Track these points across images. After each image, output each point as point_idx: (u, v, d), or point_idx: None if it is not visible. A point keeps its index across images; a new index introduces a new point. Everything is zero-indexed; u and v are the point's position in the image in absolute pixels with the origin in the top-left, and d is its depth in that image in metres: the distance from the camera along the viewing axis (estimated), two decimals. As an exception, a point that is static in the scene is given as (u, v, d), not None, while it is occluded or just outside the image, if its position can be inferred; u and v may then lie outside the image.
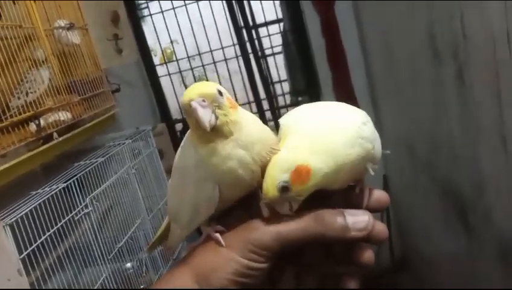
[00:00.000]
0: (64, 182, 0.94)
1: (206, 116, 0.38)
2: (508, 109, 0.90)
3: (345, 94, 2.03)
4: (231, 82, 2.41)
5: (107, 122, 1.14)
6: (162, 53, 2.47)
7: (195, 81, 2.59)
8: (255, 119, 0.42)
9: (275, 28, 2.45)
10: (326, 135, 0.40)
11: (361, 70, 2.02)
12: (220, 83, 2.26)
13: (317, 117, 0.42)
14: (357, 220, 0.39)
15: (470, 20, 0.98)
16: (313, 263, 0.42)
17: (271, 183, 0.38)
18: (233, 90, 2.47)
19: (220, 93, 0.39)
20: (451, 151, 1.28)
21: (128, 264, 1.20)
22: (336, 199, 0.42)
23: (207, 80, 2.31)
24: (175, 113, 2.56)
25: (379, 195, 0.43)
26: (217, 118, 0.38)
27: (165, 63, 2.35)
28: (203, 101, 0.38)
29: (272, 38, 2.48)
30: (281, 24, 2.43)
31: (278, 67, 2.55)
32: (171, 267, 1.36)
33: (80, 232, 0.98)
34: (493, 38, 0.89)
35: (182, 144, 0.44)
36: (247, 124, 0.41)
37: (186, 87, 2.57)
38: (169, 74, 2.34)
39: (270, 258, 0.38)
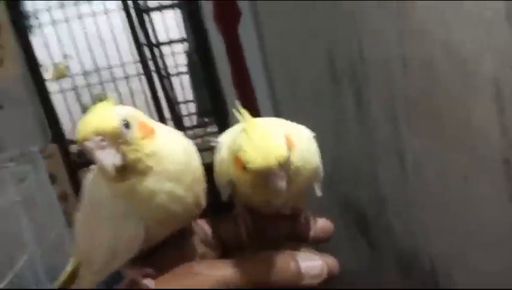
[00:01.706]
0: None
1: (107, 159, 0.30)
2: (404, 127, 0.97)
3: (252, 114, 2.05)
4: (133, 102, 2.30)
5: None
6: (55, 67, 2.28)
7: (92, 101, 2.42)
8: (180, 140, 0.36)
9: (179, 47, 2.42)
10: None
11: (264, 91, 2.07)
12: (122, 103, 2.15)
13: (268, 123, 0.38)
14: (311, 265, 0.36)
15: (367, 44, 1.05)
16: None
17: (276, 148, 0.32)
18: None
19: (127, 125, 0.32)
20: (352, 168, 1.34)
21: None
22: (280, 230, 0.39)
23: (105, 99, 2.19)
24: (69, 133, 2.36)
25: (323, 224, 0.41)
26: (124, 156, 0.31)
27: (57, 79, 2.17)
28: (102, 140, 0.30)
29: (176, 58, 2.44)
30: (185, 43, 2.41)
31: (183, 87, 2.51)
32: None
33: None
34: (389, 60, 0.95)
35: (89, 174, 0.36)
36: (171, 150, 0.34)
37: (82, 106, 2.40)
38: (62, 91, 2.16)
39: None
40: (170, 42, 2.42)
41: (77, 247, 0.40)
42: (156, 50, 2.52)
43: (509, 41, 0.62)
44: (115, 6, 2.10)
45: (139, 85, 2.31)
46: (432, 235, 0.98)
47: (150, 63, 2.41)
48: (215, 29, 2.01)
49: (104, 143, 0.30)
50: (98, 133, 0.30)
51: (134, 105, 2.32)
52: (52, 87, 2.11)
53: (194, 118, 2.58)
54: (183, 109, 2.60)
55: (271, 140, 0.33)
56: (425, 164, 0.94)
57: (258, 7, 1.93)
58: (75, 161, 2.14)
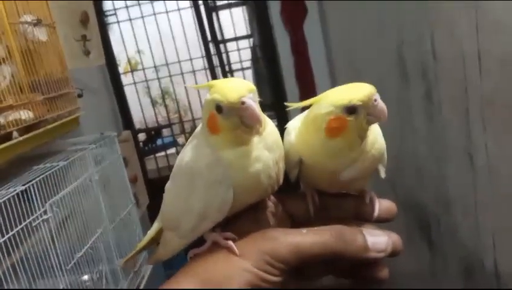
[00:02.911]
0: (22, 185, 0.87)
1: (259, 112, 0.36)
2: (476, 126, 0.94)
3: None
4: (199, 94, 2.39)
5: (70, 125, 1.08)
6: (128, 62, 2.42)
7: (161, 92, 2.55)
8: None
9: (244, 43, 2.47)
10: None
11: (327, 88, 2.06)
12: (187, 95, 2.21)
13: None
14: (377, 241, 0.38)
15: (440, 41, 1.02)
16: (314, 276, 0.41)
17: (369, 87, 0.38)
18: (201, 103, 2.43)
19: None
20: (416, 169, 1.31)
21: (86, 277, 1.13)
22: (346, 208, 0.42)
23: (174, 92, 2.26)
24: (137, 123, 2.50)
25: (388, 205, 0.42)
26: None
27: (131, 71, 2.30)
28: (254, 97, 0.36)
29: (241, 53, 2.49)
30: (251, 40, 2.45)
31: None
32: (130, 280, 1.30)
33: (36, 239, 0.91)
34: (463, 57, 0.92)
35: (191, 144, 0.40)
36: (269, 122, 0.39)
37: (151, 97, 2.51)
38: (134, 83, 2.29)
39: (284, 272, 0.35)
40: (236, 39, 2.48)
41: (164, 214, 0.44)
42: (222, 46, 2.60)
43: None
44: (188, 4, 2.19)
45: (205, 79, 2.39)
46: (499, 239, 0.94)
47: (215, 59, 2.49)
48: (280, 27, 2.04)
49: (254, 99, 0.36)
50: (250, 91, 0.36)
51: (199, 97, 2.40)
52: (125, 80, 2.25)
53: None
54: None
55: None
56: (498, 165, 0.90)
57: (324, 5, 1.93)
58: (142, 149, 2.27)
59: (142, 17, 2.12)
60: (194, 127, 2.83)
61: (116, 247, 1.24)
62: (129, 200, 1.40)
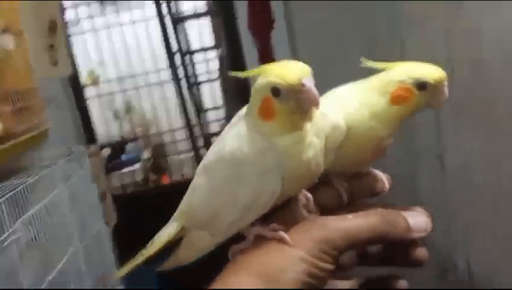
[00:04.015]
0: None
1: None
2: (447, 129, 0.97)
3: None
4: (166, 106, 2.34)
5: (39, 138, 1.03)
6: (91, 73, 2.35)
7: (126, 106, 2.49)
8: None
9: (212, 54, 2.46)
10: None
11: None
12: (155, 108, 2.14)
13: None
14: (417, 220, 0.38)
15: (411, 45, 1.05)
16: (348, 265, 0.40)
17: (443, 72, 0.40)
18: (168, 115, 2.38)
19: None
20: (385, 171, 1.34)
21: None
22: (365, 188, 0.43)
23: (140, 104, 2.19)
24: (101, 137, 2.41)
25: (387, 176, 0.44)
26: None
27: (95, 84, 2.23)
28: (310, 78, 0.35)
29: (209, 64, 2.48)
30: (218, 50, 2.44)
31: (213, 93, 2.54)
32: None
33: (4, 260, 0.85)
34: (434, 61, 0.95)
35: (232, 132, 0.38)
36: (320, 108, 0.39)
37: (115, 110, 2.44)
38: (98, 96, 2.22)
39: (336, 259, 0.35)
40: (202, 50, 2.46)
41: (195, 210, 0.41)
42: (188, 57, 2.58)
43: None
44: (154, 14, 2.16)
45: (173, 91, 2.36)
46: (471, 240, 0.97)
47: (181, 70, 2.47)
48: (249, 37, 2.05)
49: (312, 81, 0.35)
50: (309, 72, 0.36)
51: (166, 110, 2.35)
52: (88, 92, 2.18)
53: (224, 123, 2.60)
54: (213, 115, 2.64)
55: None
56: (469, 166, 0.93)
57: (292, 15, 1.96)
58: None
59: (106, 28, 2.07)
60: (160, 141, 2.77)
61: (87, 266, 1.19)
62: (99, 219, 1.35)
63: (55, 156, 1.22)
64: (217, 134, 2.68)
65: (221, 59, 2.38)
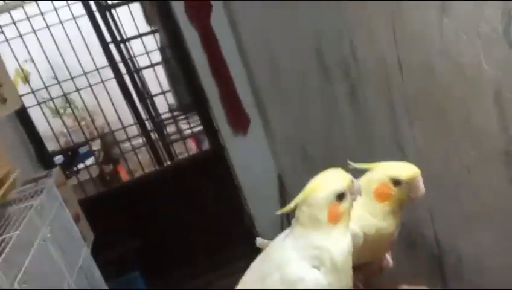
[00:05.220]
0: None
1: None
2: (403, 122, 1.03)
3: (233, 104, 2.09)
4: (110, 99, 2.24)
5: (10, 187, 0.99)
6: (24, 78, 2.19)
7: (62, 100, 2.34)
8: None
9: (149, 39, 2.36)
10: None
11: (244, 80, 2.09)
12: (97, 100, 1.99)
13: None
14: None
15: (360, 45, 1.08)
16: None
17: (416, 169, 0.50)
18: (115, 109, 2.30)
19: None
20: (345, 155, 1.41)
21: None
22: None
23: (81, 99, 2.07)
24: (49, 145, 2.27)
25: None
26: None
27: (33, 92, 2.08)
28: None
29: (148, 50, 2.39)
30: (156, 35, 2.35)
31: (158, 79, 2.45)
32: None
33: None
34: (384, 62, 1.00)
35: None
36: None
37: (57, 111, 2.31)
38: (38, 104, 2.08)
39: None
40: (137, 36, 2.36)
41: None
42: (124, 46, 2.47)
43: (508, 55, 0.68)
44: (83, 12, 2.04)
45: (112, 83, 2.28)
46: (435, 214, 1.06)
47: (118, 59, 2.37)
48: (187, 23, 1.99)
49: None
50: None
51: (112, 101, 2.24)
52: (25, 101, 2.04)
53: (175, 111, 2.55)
54: (162, 100, 2.58)
55: None
56: (427, 155, 1.00)
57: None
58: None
59: (34, 31, 1.91)
60: (107, 131, 2.68)
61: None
62: (81, 245, 1.34)
63: (23, 192, 1.19)
64: (171, 118, 2.64)
65: (162, 48, 2.31)
